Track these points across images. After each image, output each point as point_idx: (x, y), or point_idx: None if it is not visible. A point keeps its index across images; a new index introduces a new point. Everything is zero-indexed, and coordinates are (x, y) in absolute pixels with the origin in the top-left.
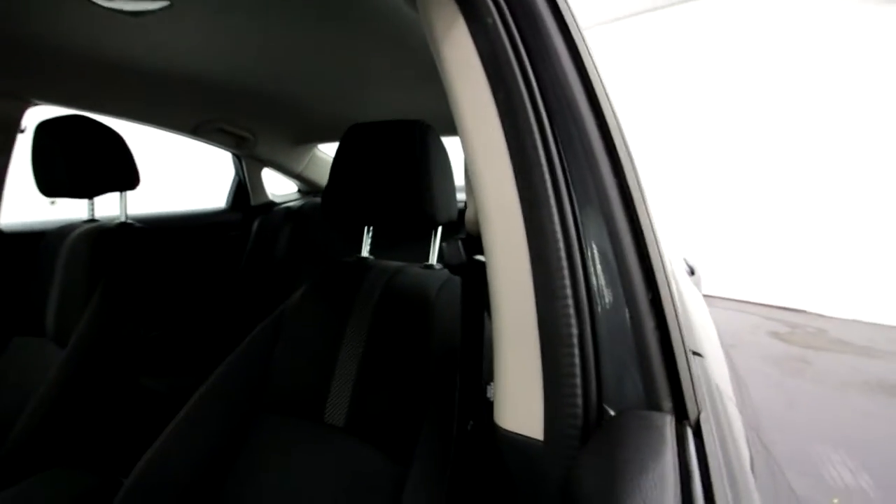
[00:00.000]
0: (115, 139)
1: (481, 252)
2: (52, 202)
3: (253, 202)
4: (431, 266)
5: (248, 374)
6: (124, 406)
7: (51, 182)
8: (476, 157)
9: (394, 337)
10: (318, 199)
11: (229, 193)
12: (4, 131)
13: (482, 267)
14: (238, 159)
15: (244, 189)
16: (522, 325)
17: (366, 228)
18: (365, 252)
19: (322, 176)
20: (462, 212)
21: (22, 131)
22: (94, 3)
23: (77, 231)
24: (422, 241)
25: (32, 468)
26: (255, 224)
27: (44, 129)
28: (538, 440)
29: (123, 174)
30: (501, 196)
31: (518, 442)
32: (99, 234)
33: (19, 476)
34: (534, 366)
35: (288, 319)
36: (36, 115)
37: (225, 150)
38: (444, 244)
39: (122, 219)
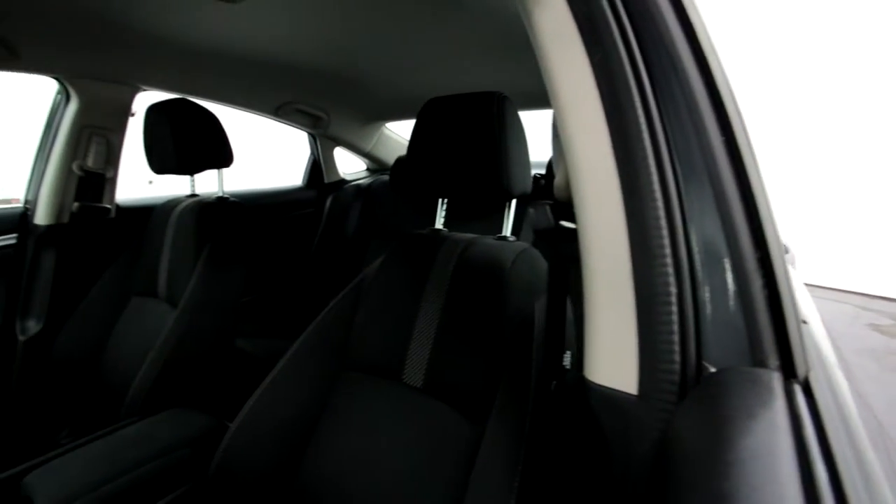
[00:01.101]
0: (212, 120)
1: (568, 219)
2: (150, 182)
3: (326, 180)
4: (505, 238)
5: (332, 337)
6: (225, 361)
7: (161, 160)
8: (569, 122)
9: (469, 305)
10: (385, 177)
11: (305, 172)
12: (119, 114)
13: (568, 233)
14: (313, 139)
15: (318, 168)
16: (616, 282)
17: (440, 201)
18: (439, 224)
19: (390, 154)
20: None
21: (132, 115)
22: None
23: (182, 204)
24: (491, 215)
25: (156, 406)
26: (328, 200)
27: (154, 111)
28: (632, 394)
29: (220, 153)
30: (596, 159)
31: (610, 396)
32: (202, 207)
33: (146, 412)
34: (628, 322)
35: (367, 288)
36: (143, 100)
37: (302, 129)
38: (531, 209)
39: (220, 193)
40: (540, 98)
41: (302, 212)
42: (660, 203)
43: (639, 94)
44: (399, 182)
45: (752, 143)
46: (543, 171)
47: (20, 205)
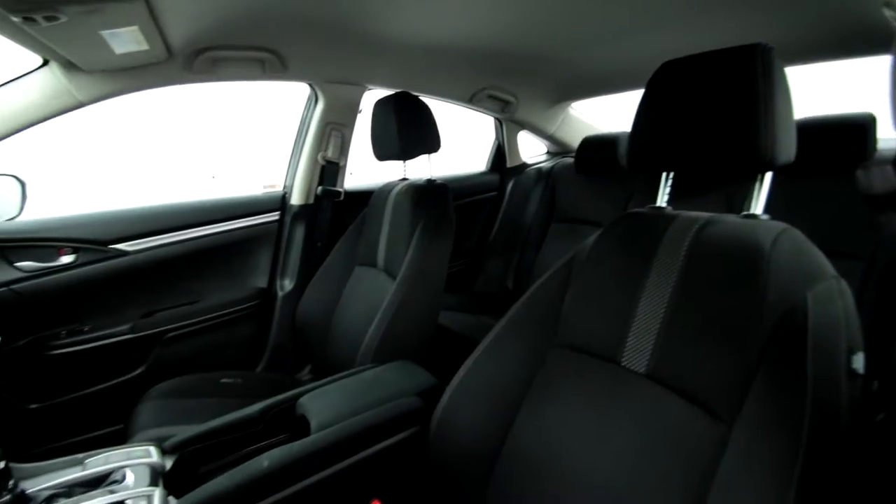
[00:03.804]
0: (427, 110)
1: None
2: (350, 173)
3: (509, 164)
4: (754, 216)
5: (541, 314)
6: (434, 328)
7: (384, 148)
8: None
9: (713, 289)
10: (568, 160)
11: (490, 156)
12: (351, 111)
13: None
14: (500, 123)
15: (502, 152)
16: None
17: (664, 175)
18: (662, 201)
19: (573, 136)
20: None
21: (360, 112)
22: None
23: (398, 187)
24: (707, 193)
25: (383, 360)
26: (510, 184)
27: (381, 104)
28: None
29: (432, 139)
30: None
31: None
32: (415, 189)
33: (375, 363)
34: None
35: (579, 267)
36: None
37: (491, 115)
38: (860, 171)
39: (428, 176)
40: (791, 51)
41: (486, 195)
42: None
43: None
44: (587, 162)
45: None
46: None
47: (281, 189)
